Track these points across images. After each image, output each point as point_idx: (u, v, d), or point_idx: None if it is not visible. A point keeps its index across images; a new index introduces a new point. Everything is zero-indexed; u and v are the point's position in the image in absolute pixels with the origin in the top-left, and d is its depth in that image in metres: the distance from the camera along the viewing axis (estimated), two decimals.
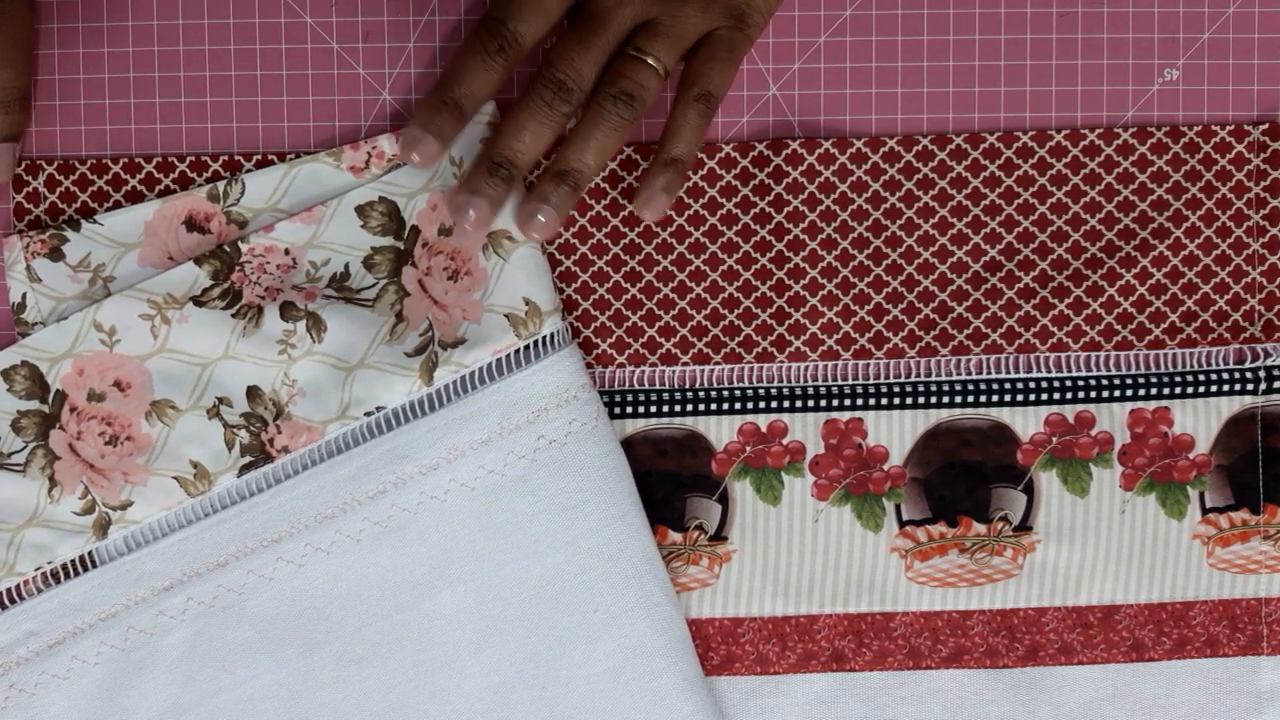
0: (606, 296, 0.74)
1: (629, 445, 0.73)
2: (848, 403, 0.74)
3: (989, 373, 0.74)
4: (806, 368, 0.74)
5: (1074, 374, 0.74)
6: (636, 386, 0.74)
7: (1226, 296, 0.74)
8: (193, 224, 0.72)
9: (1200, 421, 0.74)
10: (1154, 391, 0.74)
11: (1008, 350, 0.74)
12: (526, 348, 0.72)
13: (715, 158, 0.74)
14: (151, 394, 0.71)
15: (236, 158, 0.73)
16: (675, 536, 0.74)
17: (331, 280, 0.72)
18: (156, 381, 0.71)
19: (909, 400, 0.74)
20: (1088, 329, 0.74)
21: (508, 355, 0.72)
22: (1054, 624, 0.75)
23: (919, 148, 0.74)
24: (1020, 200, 0.74)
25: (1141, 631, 0.75)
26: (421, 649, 0.72)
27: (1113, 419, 0.74)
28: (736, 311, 0.74)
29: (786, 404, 0.74)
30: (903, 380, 0.74)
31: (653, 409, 0.74)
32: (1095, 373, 0.74)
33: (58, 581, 0.72)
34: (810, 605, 0.74)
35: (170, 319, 0.71)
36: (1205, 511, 0.75)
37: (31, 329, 0.72)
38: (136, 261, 0.72)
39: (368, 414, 0.71)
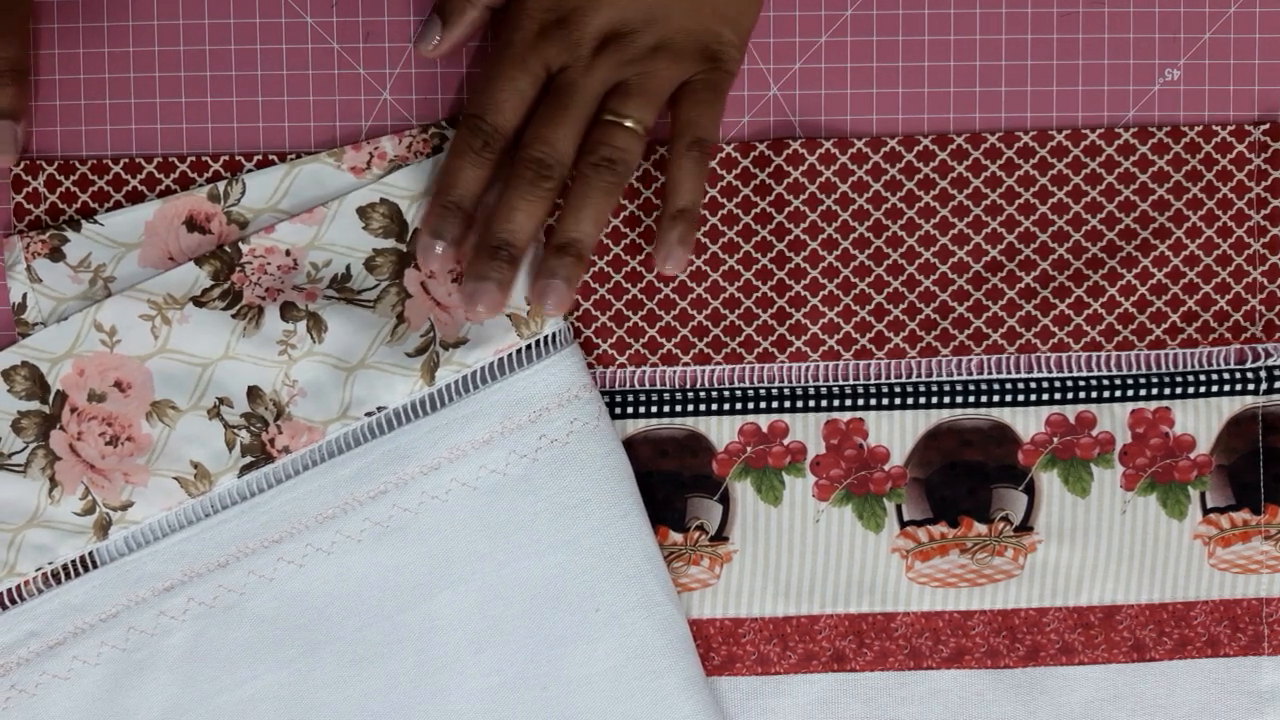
0: (608, 297, 0.74)
1: (630, 445, 0.73)
2: (849, 403, 0.74)
3: (990, 373, 0.74)
4: (807, 368, 0.74)
5: (1075, 374, 0.74)
6: (637, 387, 0.74)
7: (1227, 296, 0.74)
8: (193, 224, 0.72)
9: (1201, 422, 0.74)
10: (1155, 392, 0.74)
11: (1009, 350, 0.74)
12: (528, 347, 0.72)
13: (716, 158, 0.74)
14: (152, 394, 0.71)
15: (237, 158, 0.73)
16: (676, 537, 0.74)
17: (333, 281, 0.72)
18: (157, 382, 0.71)
19: (910, 400, 0.74)
20: (1089, 329, 0.74)
21: (509, 355, 0.72)
22: (1055, 624, 0.75)
23: (920, 148, 0.74)
24: (1021, 200, 0.74)
25: (1142, 632, 0.75)
26: (422, 649, 0.72)
27: (1114, 419, 0.74)
28: (737, 312, 0.74)
29: (787, 404, 0.74)
30: (904, 380, 0.74)
31: (653, 409, 0.74)
32: (1096, 373, 0.74)
33: (58, 582, 0.72)
34: (811, 605, 0.74)
35: (171, 319, 0.71)
36: (1206, 512, 0.75)
37: (32, 329, 0.72)
38: (137, 262, 0.72)
39: (369, 414, 0.71)
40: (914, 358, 0.74)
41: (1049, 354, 0.74)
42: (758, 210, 0.74)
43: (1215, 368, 0.75)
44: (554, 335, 0.72)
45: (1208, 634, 0.75)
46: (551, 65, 0.69)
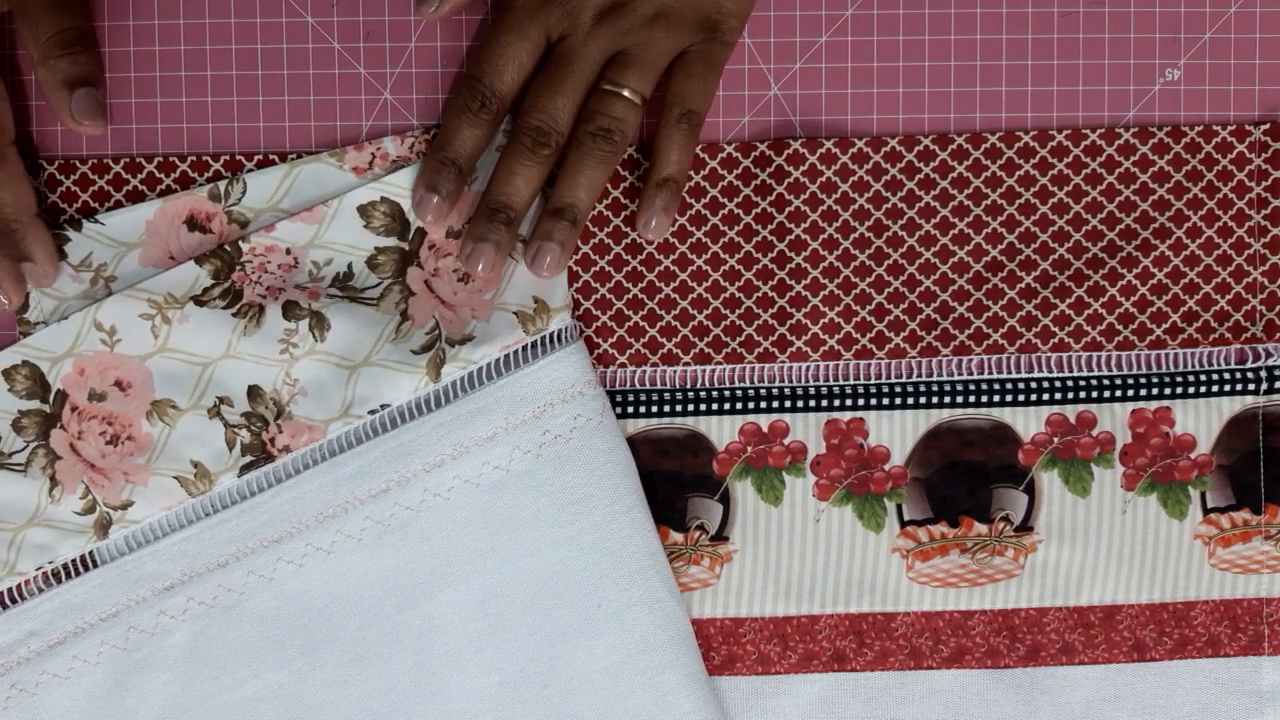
0: (608, 296, 0.74)
1: (631, 445, 0.73)
2: (849, 403, 0.74)
3: (990, 373, 0.74)
4: (808, 368, 0.74)
5: (1075, 374, 0.74)
6: (638, 386, 0.74)
7: (1228, 296, 0.75)
8: (194, 223, 0.72)
9: (1201, 421, 0.75)
10: (1155, 391, 0.74)
11: (1009, 350, 0.74)
12: (534, 344, 0.72)
13: (717, 158, 0.74)
14: (152, 393, 0.71)
15: (238, 157, 0.73)
16: (677, 536, 0.74)
17: (335, 280, 0.72)
18: (157, 381, 0.71)
19: (910, 400, 0.74)
20: (1089, 329, 0.74)
21: (514, 351, 0.72)
22: (1055, 624, 0.75)
23: (920, 147, 0.74)
24: (1022, 200, 0.74)
25: (1143, 632, 0.75)
26: (423, 648, 0.72)
27: (1114, 419, 0.74)
28: (738, 311, 0.74)
29: (788, 404, 0.74)
30: (904, 380, 0.74)
31: (654, 409, 0.74)
32: (1096, 373, 0.74)
33: (59, 581, 0.71)
34: (811, 605, 0.74)
35: (171, 318, 0.71)
36: (1206, 511, 0.75)
37: (33, 328, 0.71)
38: (138, 261, 0.72)
39: (371, 412, 0.71)
40: (914, 357, 0.74)
41: (1049, 354, 0.74)
42: (758, 210, 0.74)
43: (1216, 368, 0.75)
44: (560, 332, 0.72)
45: (1208, 634, 0.75)
46: (551, 32, 0.70)
